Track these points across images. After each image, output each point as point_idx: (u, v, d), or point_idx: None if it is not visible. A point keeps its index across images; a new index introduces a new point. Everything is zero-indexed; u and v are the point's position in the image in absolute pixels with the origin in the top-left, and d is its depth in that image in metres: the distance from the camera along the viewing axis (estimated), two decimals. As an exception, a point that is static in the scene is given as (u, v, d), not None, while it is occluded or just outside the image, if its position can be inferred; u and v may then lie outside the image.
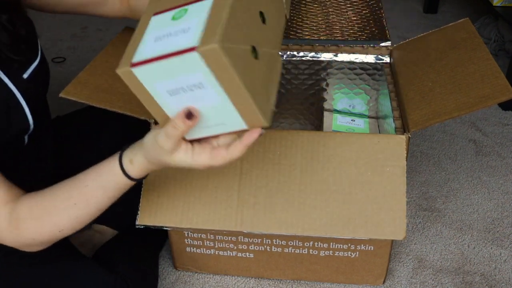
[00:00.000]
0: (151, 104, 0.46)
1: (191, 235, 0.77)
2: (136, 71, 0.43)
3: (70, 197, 0.57)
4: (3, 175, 0.58)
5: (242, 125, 0.46)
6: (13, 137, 0.65)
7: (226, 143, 0.48)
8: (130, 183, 0.56)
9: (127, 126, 0.88)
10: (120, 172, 0.54)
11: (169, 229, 0.74)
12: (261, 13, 0.48)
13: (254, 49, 0.45)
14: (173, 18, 0.44)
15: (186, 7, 0.45)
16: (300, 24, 0.97)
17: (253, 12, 0.46)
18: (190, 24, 0.42)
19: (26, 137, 0.69)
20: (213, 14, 0.41)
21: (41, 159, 0.77)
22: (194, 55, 0.39)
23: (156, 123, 0.74)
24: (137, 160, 0.53)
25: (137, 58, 0.43)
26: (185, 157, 0.48)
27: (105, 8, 0.78)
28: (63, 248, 0.69)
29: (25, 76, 0.64)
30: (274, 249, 0.77)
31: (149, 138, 0.50)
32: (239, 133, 0.47)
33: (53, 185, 0.59)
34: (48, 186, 0.81)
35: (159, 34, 0.44)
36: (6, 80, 0.61)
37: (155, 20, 0.46)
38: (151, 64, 0.42)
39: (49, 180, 0.79)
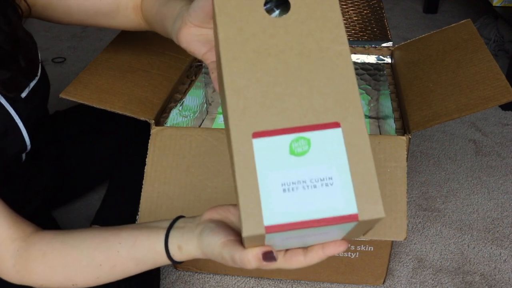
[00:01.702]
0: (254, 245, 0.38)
1: (191, 235, 0.77)
2: (270, 236, 0.34)
3: (96, 257, 0.51)
4: (11, 210, 0.54)
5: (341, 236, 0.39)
6: (9, 158, 0.64)
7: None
8: (166, 263, 0.49)
9: (126, 125, 0.88)
10: (164, 254, 0.48)
11: (169, 229, 0.74)
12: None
13: None
14: (293, 153, 0.34)
15: (304, 134, 0.34)
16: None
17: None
18: (328, 171, 0.34)
19: (23, 155, 0.68)
20: (354, 157, 0.34)
21: (40, 171, 0.76)
22: (354, 223, 0.34)
23: (156, 124, 0.74)
24: (188, 249, 0.46)
25: (270, 219, 0.33)
26: (254, 262, 0.40)
27: (118, 20, 0.70)
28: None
29: (23, 95, 0.63)
30: (275, 249, 0.77)
31: (214, 245, 0.43)
32: None
33: (76, 233, 0.53)
34: (46, 197, 0.80)
35: (284, 178, 0.34)
36: (3, 101, 0.60)
37: (262, 148, 0.34)
38: (292, 230, 0.33)
39: (47, 190, 0.79)
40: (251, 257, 0.38)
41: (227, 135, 0.36)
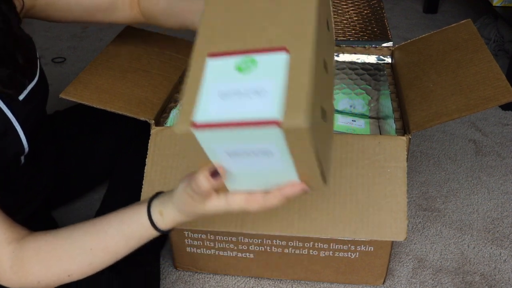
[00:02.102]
0: (200, 159, 0.41)
1: (191, 235, 0.77)
2: (199, 134, 0.37)
3: (86, 242, 0.53)
4: (5, 213, 0.55)
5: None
6: (7, 160, 0.64)
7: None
8: (156, 234, 0.53)
9: (126, 125, 0.88)
10: (148, 223, 0.51)
11: (169, 229, 0.74)
12: (324, 62, 0.43)
13: (323, 111, 0.41)
14: (239, 69, 0.38)
15: (253, 56, 0.38)
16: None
17: (321, 63, 0.41)
18: (264, 85, 0.37)
19: (22, 158, 0.68)
20: (293, 77, 0.36)
21: (39, 171, 0.76)
22: (275, 130, 0.35)
23: (156, 124, 0.74)
24: (167, 212, 0.51)
25: (200, 117, 0.37)
26: (218, 203, 0.46)
27: (116, 15, 0.73)
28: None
29: (21, 97, 0.63)
30: (274, 249, 0.77)
31: (179, 191, 0.48)
32: None
33: (65, 227, 0.55)
34: (46, 197, 0.80)
35: (224, 88, 0.38)
36: (0, 103, 0.60)
37: (213, 65, 0.39)
38: (219, 129, 0.36)
39: (47, 190, 0.79)
40: (201, 178, 0.42)
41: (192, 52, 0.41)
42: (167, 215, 0.51)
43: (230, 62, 0.39)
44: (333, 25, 0.51)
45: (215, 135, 0.37)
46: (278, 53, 0.38)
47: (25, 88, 0.64)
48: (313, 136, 0.36)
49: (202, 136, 0.37)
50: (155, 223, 0.51)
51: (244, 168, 0.41)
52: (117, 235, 0.53)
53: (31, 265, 0.53)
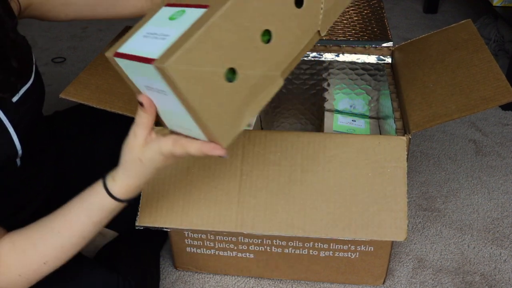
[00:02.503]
0: (133, 87, 0.48)
1: (191, 235, 0.77)
2: (118, 60, 0.44)
3: (54, 224, 0.54)
4: None
5: (204, 138, 0.45)
6: (2, 160, 0.63)
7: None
8: (115, 205, 0.53)
9: (126, 125, 0.88)
10: (104, 191, 0.52)
11: (169, 229, 0.74)
12: (268, 32, 0.44)
13: (232, 71, 0.42)
14: (171, 18, 0.44)
15: (185, 8, 0.44)
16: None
17: (250, 30, 0.42)
18: (171, 32, 0.41)
19: (18, 160, 0.67)
20: (192, 28, 0.40)
21: (40, 171, 0.75)
22: (150, 67, 0.40)
23: (156, 124, 0.74)
24: (118, 176, 0.51)
25: (122, 48, 0.44)
26: (154, 146, 0.47)
27: (118, 7, 0.70)
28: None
29: (15, 99, 0.62)
30: (274, 249, 0.77)
31: (123, 145, 0.49)
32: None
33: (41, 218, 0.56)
34: (46, 197, 0.80)
35: (151, 30, 0.44)
36: None
37: (162, 12, 0.46)
38: (126, 60, 0.43)
39: (47, 190, 0.79)
40: (138, 108, 0.45)
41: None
42: (118, 178, 0.51)
43: (172, 12, 0.45)
44: (322, 9, 0.48)
45: (126, 64, 0.43)
46: (201, 9, 0.42)
47: (21, 87, 0.63)
48: (189, 87, 0.39)
49: (121, 64, 0.44)
50: (109, 190, 0.52)
51: (161, 105, 0.45)
52: (79, 211, 0.53)
53: (8, 258, 0.54)
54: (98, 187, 0.53)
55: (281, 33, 0.45)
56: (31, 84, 0.65)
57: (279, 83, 0.47)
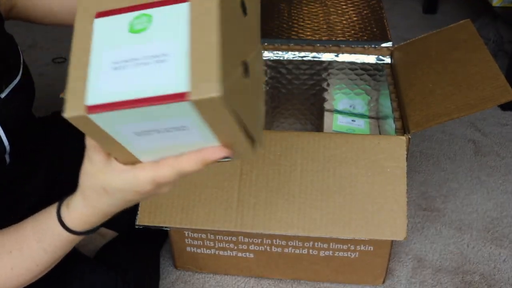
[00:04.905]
0: (108, 143, 0.35)
1: (191, 235, 0.77)
2: (95, 117, 0.31)
3: (6, 242, 0.47)
4: None
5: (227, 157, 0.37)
6: None
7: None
8: (67, 237, 0.44)
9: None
10: (55, 218, 0.44)
11: (168, 229, 0.74)
12: (242, 2, 0.36)
13: (245, 66, 0.34)
14: (132, 30, 0.31)
15: (146, 11, 0.32)
16: (302, 24, 0.97)
17: (236, 6, 0.35)
18: (164, 47, 0.30)
19: (7, 157, 0.67)
20: (197, 33, 0.30)
21: (30, 173, 0.75)
22: (185, 104, 0.29)
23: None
24: (74, 203, 0.42)
25: (93, 98, 0.31)
26: (126, 175, 0.37)
27: None
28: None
29: (3, 95, 0.62)
30: (274, 249, 0.77)
31: (80, 170, 0.40)
32: None
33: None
34: (42, 198, 0.79)
35: (118, 56, 0.31)
36: None
37: (102, 27, 0.32)
38: (117, 110, 0.30)
39: (39, 191, 0.79)
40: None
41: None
42: (74, 205, 0.42)
43: (123, 21, 0.32)
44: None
45: (113, 116, 0.31)
46: (177, 4, 0.31)
47: (9, 83, 0.63)
48: (231, 102, 0.30)
49: (99, 119, 0.31)
50: (62, 217, 0.43)
51: (156, 144, 0.35)
52: (30, 234, 0.46)
53: None
54: (51, 213, 0.45)
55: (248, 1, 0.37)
56: (19, 81, 0.65)
57: (261, 53, 0.41)
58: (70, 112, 0.31)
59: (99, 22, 0.33)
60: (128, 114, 0.31)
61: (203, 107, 0.30)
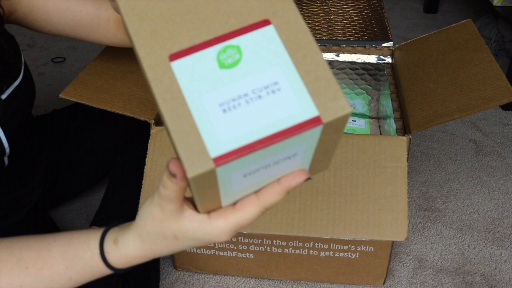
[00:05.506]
0: (207, 195, 0.31)
1: (191, 235, 0.77)
2: (222, 168, 0.27)
3: (23, 257, 0.42)
4: None
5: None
6: None
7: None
8: (103, 271, 0.40)
9: (126, 125, 0.88)
10: (97, 250, 0.39)
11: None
12: None
13: None
14: (223, 66, 0.28)
15: (231, 42, 0.29)
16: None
17: None
18: (271, 76, 0.28)
19: (5, 159, 0.67)
20: (298, 54, 0.28)
21: (27, 176, 0.75)
22: (318, 128, 0.27)
23: (156, 124, 0.74)
24: (125, 239, 0.38)
25: (216, 148, 0.27)
26: (201, 221, 0.34)
27: (98, 33, 0.69)
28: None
29: (4, 97, 0.62)
30: (274, 249, 0.77)
31: (145, 204, 0.37)
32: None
33: (15, 237, 0.45)
34: (41, 200, 0.79)
35: (221, 96, 0.28)
36: None
37: (184, 70, 0.28)
38: (249, 154, 0.27)
39: (38, 192, 0.78)
40: (165, 179, 0.33)
41: (142, 69, 0.29)
42: (123, 243, 0.38)
43: (207, 59, 0.29)
44: None
45: (243, 161, 0.28)
46: (262, 28, 0.29)
47: (10, 85, 0.63)
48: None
49: (225, 169, 0.28)
50: (105, 252, 0.39)
51: (252, 182, 0.32)
52: (58, 257, 0.41)
53: None
54: (92, 242, 0.40)
55: None
56: (20, 82, 0.65)
57: None
58: (195, 170, 0.27)
59: (178, 65, 0.29)
60: (257, 155, 0.28)
61: (331, 127, 0.28)
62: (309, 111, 0.27)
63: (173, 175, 0.32)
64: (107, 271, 0.40)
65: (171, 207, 0.34)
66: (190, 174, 0.27)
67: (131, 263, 0.39)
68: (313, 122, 0.27)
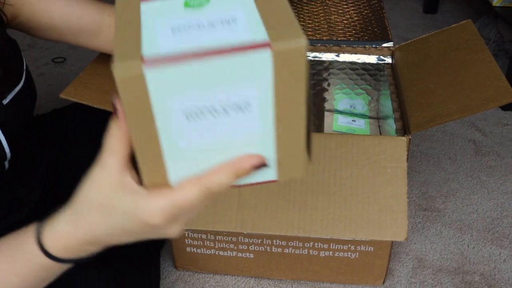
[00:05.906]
0: (143, 134, 0.29)
1: (191, 235, 0.77)
2: (152, 75, 0.26)
3: None
4: None
5: (271, 176, 0.32)
6: None
7: None
8: (45, 261, 0.35)
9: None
10: (33, 236, 0.35)
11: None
12: None
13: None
14: (187, 5, 0.29)
15: None
16: (302, 24, 0.97)
17: None
18: (230, 14, 0.28)
19: (6, 163, 0.67)
20: (265, 2, 0.29)
21: (26, 179, 0.75)
22: (265, 54, 0.26)
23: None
24: (59, 219, 0.34)
25: (151, 50, 0.26)
26: (135, 192, 0.31)
27: (99, 38, 0.69)
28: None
29: (5, 102, 0.61)
30: (274, 249, 0.77)
31: (85, 178, 0.32)
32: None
33: None
34: (41, 199, 0.79)
35: (174, 23, 0.28)
36: None
37: (150, 8, 0.29)
38: (182, 65, 0.26)
39: (36, 195, 0.79)
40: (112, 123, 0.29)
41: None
42: (58, 223, 0.34)
43: (175, 2, 0.30)
44: None
45: (175, 76, 0.26)
46: None
47: (11, 90, 0.62)
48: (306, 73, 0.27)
49: (156, 80, 0.26)
50: (41, 237, 0.34)
51: (202, 140, 0.29)
52: (4, 253, 0.37)
53: None
54: (31, 226, 0.36)
55: None
56: (22, 87, 0.64)
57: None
58: (121, 69, 0.25)
59: (146, 5, 0.30)
60: (191, 74, 0.26)
61: (285, 65, 0.27)
62: (259, 37, 0.26)
63: (114, 110, 0.29)
64: (46, 262, 0.35)
65: (114, 162, 0.31)
66: (117, 74, 0.25)
67: (67, 246, 0.34)
68: (260, 45, 0.26)
